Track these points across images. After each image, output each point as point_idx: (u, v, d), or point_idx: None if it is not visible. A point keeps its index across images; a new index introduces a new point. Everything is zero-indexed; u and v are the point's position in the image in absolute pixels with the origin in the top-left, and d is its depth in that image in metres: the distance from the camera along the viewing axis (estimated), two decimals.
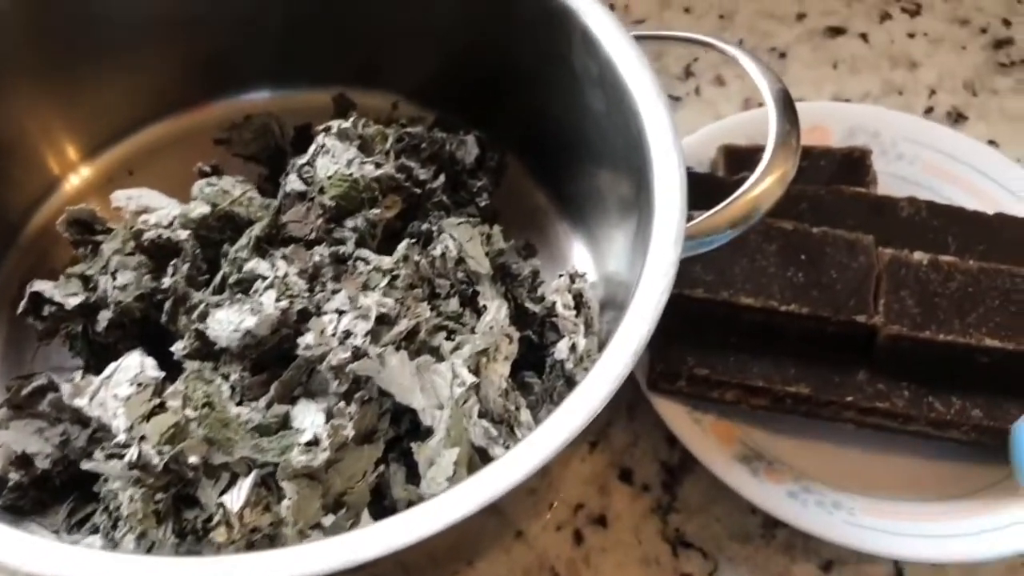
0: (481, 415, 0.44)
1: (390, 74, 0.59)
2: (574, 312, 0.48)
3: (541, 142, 0.56)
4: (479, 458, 0.42)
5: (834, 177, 0.55)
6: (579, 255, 0.54)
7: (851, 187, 0.54)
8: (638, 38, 0.48)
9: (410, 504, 0.41)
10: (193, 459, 0.38)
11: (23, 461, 0.43)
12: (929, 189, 0.58)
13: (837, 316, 0.48)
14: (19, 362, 0.50)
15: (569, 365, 0.46)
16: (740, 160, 0.54)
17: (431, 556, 0.44)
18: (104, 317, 0.45)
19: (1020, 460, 0.45)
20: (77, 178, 0.55)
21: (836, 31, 0.69)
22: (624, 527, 0.48)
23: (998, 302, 0.49)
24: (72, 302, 0.45)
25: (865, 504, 0.47)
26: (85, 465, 0.39)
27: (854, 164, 0.56)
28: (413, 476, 0.42)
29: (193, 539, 0.40)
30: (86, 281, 0.46)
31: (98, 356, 0.46)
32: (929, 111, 0.66)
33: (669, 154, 0.42)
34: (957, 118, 0.65)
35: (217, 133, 0.57)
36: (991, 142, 0.64)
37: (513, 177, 0.58)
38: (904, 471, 0.50)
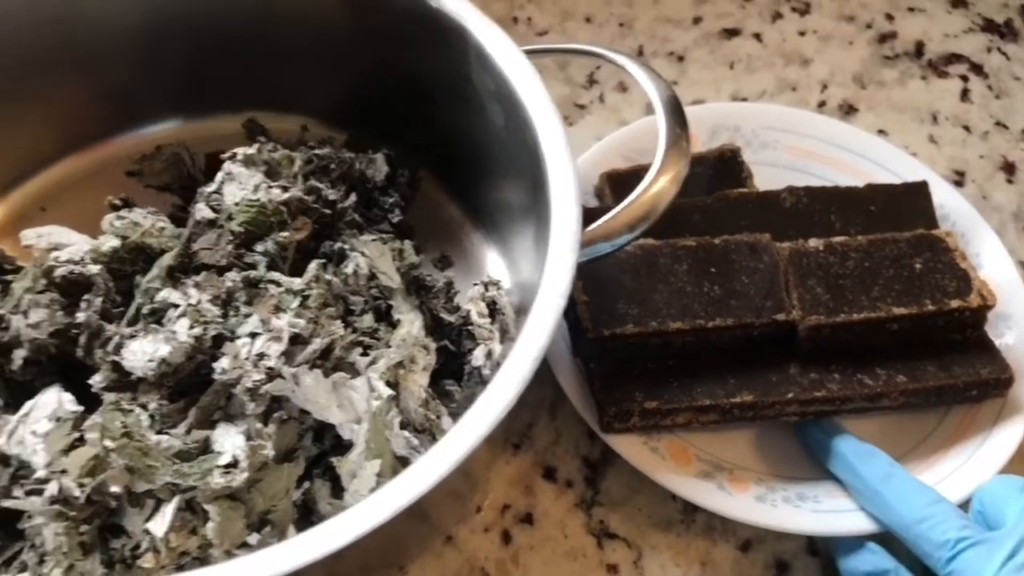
0: (403, 426, 0.45)
1: (299, 98, 0.60)
2: (489, 320, 0.49)
3: (451, 157, 0.57)
4: (402, 467, 0.43)
5: (713, 181, 0.57)
6: (493, 264, 0.56)
7: (734, 189, 0.57)
8: (530, 52, 0.50)
9: None
10: (115, 489, 0.39)
11: None
12: (795, 169, 0.62)
13: (759, 319, 0.50)
14: None
15: (486, 371, 0.47)
16: (624, 183, 0.56)
17: (362, 565, 0.45)
18: (19, 355, 0.45)
19: (815, 453, 0.51)
20: None
21: (731, 32, 0.72)
22: (550, 523, 0.50)
23: (892, 270, 0.53)
24: None
25: (826, 489, 0.50)
26: (4, 503, 0.39)
27: (727, 164, 0.59)
28: (338, 491, 0.43)
29: (122, 568, 0.41)
30: None
31: (15, 394, 0.46)
32: (822, 105, 0.69)
33: (563, 164, 0.44)
34: (848, 110, 0.69)
35: (129, 165, 0.58)
36: (881, 132, 0.67)
37: (428, 191, 0.59)
38: None
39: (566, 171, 0.44)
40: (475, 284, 0.50)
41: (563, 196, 0.43)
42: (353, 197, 0.53)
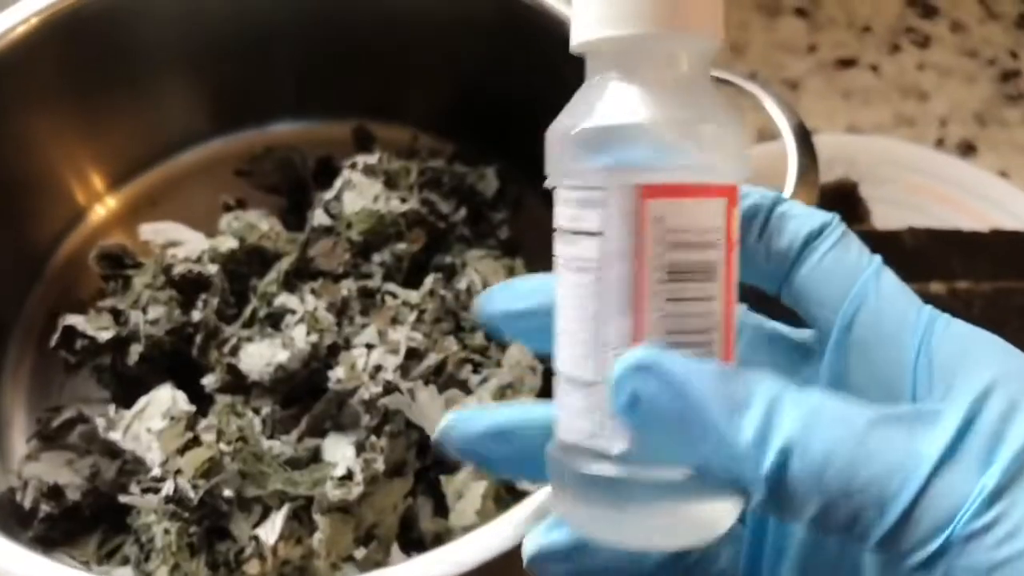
0: None
1: (409, 107, 0.60)
2: None
3: None
4: (504, 490, 0.42)
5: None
6: None
7: (852, 225, 0.55)
8: None
9: (437, 536, 0.42)
10: (228, 493, 0.39)
11: (54, 492, 0.43)
12: (911, 207, 0.60)
13: None
14: (45, 393, 0.50)
15: None
16: None
17: None
18: (135, 351, 0.45)
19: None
20: (103, 208, 0.56)
21: (847, 63, 0.71)
22: None
23: (1019, 321, 0.50)
24: (104, 336, 0.45)
25: None
26: (123, 499, 0.40)
27: (846, 197, 0.57)
28: (439, 508, 0.43)
29: (225, 571, 0.40)
30: (116, 315, 0.46)
31: (126, 388, 0.47)
32: (940, 142, 0.67)
33: None
34: (967, 149, 0.66)
35: (238, 165, 0.58)
36: (1002, 173, 0.65)
37: (531, 207, 0.58)
38: None
39: None
40: None
41: None
42: (464, 211, 0.53)
